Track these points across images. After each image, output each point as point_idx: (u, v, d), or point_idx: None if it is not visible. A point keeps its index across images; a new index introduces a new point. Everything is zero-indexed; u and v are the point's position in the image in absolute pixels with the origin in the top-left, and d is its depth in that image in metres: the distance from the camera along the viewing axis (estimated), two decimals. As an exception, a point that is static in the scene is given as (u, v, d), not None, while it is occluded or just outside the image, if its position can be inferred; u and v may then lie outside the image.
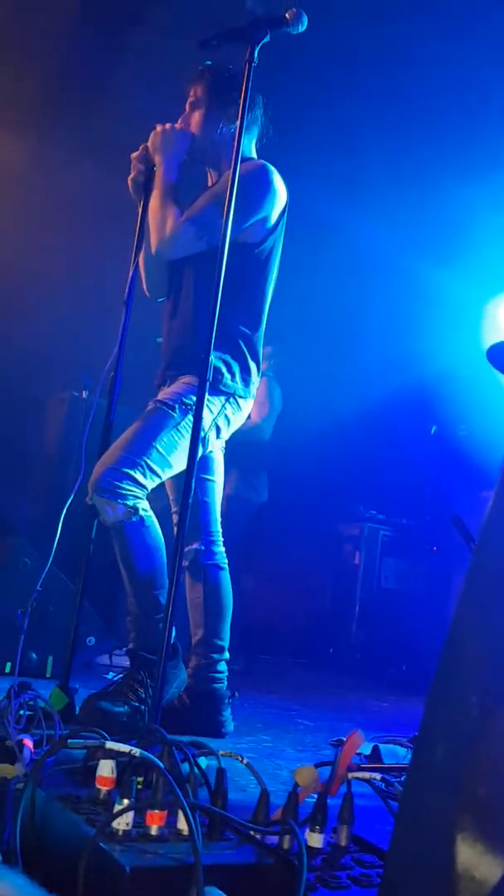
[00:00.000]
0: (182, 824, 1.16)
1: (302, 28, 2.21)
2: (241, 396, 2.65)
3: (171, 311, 2.73)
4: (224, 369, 2.57)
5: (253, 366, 2.67)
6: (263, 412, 4.72)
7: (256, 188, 2.58)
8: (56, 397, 4.67)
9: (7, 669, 3.16)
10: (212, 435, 2.61)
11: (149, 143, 2.66)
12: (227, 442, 2.80)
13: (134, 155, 2.68)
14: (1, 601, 3.30)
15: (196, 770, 1.33)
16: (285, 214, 2.71)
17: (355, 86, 4.69)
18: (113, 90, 4.72)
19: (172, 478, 2.59)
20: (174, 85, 2.81)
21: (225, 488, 2.84)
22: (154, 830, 1.15)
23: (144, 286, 2.78)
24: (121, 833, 1.13)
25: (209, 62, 2.74)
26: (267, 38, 2.20)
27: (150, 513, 2.48)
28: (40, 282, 4.93)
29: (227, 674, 2.69)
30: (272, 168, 2.64)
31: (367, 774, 1.47)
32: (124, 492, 2.40)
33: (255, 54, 2.19)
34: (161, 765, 1.23)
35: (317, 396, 5.37)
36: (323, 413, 5.43)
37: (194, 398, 2.25)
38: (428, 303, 5.42)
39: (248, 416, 4.49)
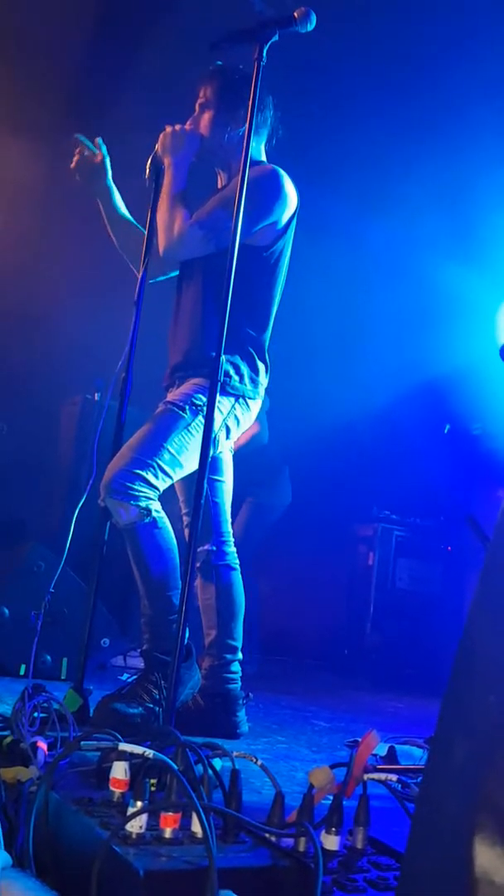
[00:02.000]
0: (196, 827, 1.16)
1: (310, 27, 2.19)
2: (249, 398, 2.64)
3: (178, 313, 2.73)
4: (232, 371, 2.57)
5: (261, 367, 2.67)
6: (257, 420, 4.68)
7: (266, 192, 2.57)
8: (69, 400, 4.68)
9: (21, 671, 3.17)
10: (221, 436, 2.60)
11: (158, 145, 2.66)
12: (237, 455, 2.80)
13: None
14: (15, 603, 3.31)
15: (210, 772, 1.32)
16: (295, 218, 2.70)
17: (367, 80, 4.65)
18: (124, 102, 4.75)
19: (183, 479, 2.58)
20: (183, 95, 2.80)
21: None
22: (168, 833, 1.15)
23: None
24: (134, 836, 1.13)
25: (219, 62, 2.73)
26: (276, 38, 2.19)
27: (163, 514, 2.48)
28: (52, 286, 4.95)
29: (240, 674, 2.68)
30: (283, 172, 2.63)
31: (383, 776, 1.46)
32: (136, 493, 2.40)
33: (264, 53, 2.18)
34: (175, 767, 1.22)
35: (329, 396, 5.34)
36: (336, 413, 5.41)
37: (204, 399, 2.24)
38: (441, 300, 5.38)
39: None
